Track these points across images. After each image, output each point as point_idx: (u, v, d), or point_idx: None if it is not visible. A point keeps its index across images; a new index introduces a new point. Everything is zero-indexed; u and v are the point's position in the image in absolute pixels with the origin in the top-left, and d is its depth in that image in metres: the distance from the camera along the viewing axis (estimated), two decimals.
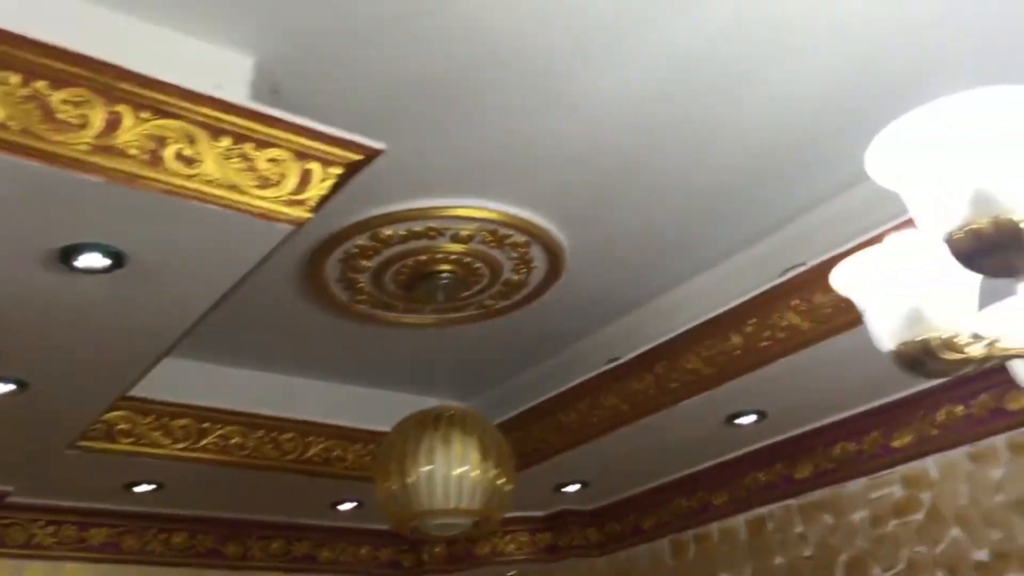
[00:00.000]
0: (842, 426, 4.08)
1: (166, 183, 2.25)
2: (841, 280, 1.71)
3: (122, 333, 2.95)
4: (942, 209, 1.31)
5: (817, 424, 4.15)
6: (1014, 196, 1.26)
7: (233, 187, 2.33)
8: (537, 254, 3.67)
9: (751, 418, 4.04)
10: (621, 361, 3.97)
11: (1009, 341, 1.60)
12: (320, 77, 2.69)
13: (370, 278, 3.74)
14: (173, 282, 2.66)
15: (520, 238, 3.54)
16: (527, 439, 4.46)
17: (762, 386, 3.73)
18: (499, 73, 2.71)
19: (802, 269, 3.28)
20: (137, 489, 4.49)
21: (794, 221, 3.53)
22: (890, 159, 1.38)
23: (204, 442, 4.16)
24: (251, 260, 2.59)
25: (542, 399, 4.30)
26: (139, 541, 4.78)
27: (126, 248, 2.46)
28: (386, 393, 4.65)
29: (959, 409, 3.73)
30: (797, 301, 3.35)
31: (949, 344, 1.58)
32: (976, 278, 1.59)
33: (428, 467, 3.24)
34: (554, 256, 3.67)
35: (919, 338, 1.59)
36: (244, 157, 2.33)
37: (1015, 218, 1.25)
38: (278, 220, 2.41)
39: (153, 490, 4.52)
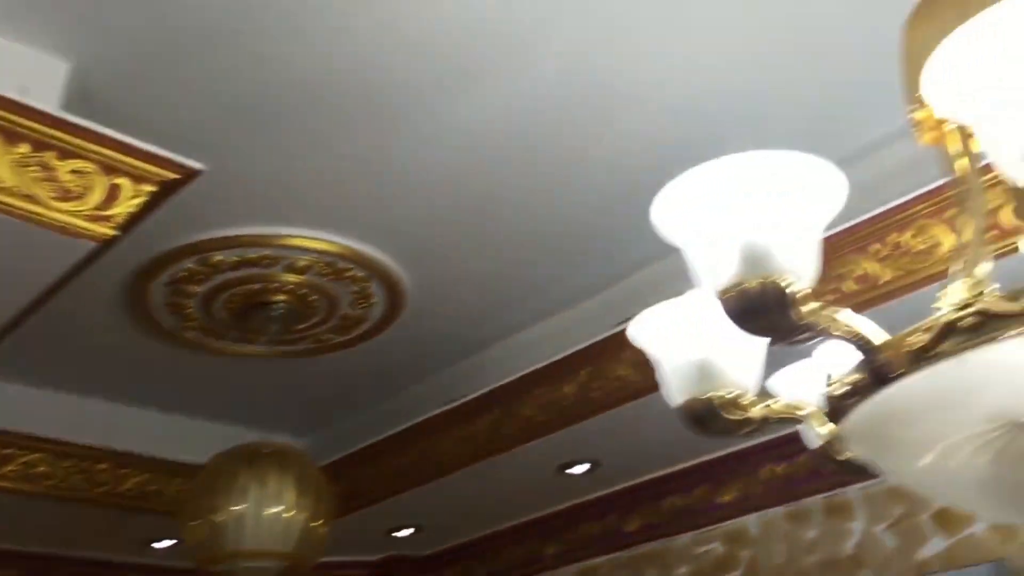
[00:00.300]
0: (672, 480, 4.12)
1: None
2: (637, 333, 1.71)
3: None
4: (716, 268, 1.31)
5: (648, 477, 4.18)
6: (782, 258, 1.26)
7: (29, 197, 2.18)
8: (377, 290, 3.59)
9: (583, 467, 4.04)
10: (456, 404, 3.91)
11: (792, 403, 1.62)
12: (146, 90, 2.56)
13: (199, 304, 3.58)
14: None
15: (360, 272, 3.46)
16: (360, 480, 4.33)
17: (594, 436, 3.73)
18: (345, 100, 2.65)
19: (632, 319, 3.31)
20: None
21: (638, 272, 3.56)
22: (670, 217, 1.37)
23: (5, 469, 3.86)
24: (49, 277, 2.43)
25: (376, 439, 4.19)
26: None
27: None
28: (215, 425, 4.44)
29: (780, 468, 3.82)
30: (628, 352, 3.36)
31: (732, 403, 1.58)
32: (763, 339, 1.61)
33: (239, 506, 3.09)
34: (395, 293, 3.61)
35: (704, 395, 1.59)
36: (44, 166, 2.19)
37: (781, 280, 1.25)
38: (79, 236, 2.27)
39: None
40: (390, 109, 2.70)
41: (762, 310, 1.25)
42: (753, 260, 1.27)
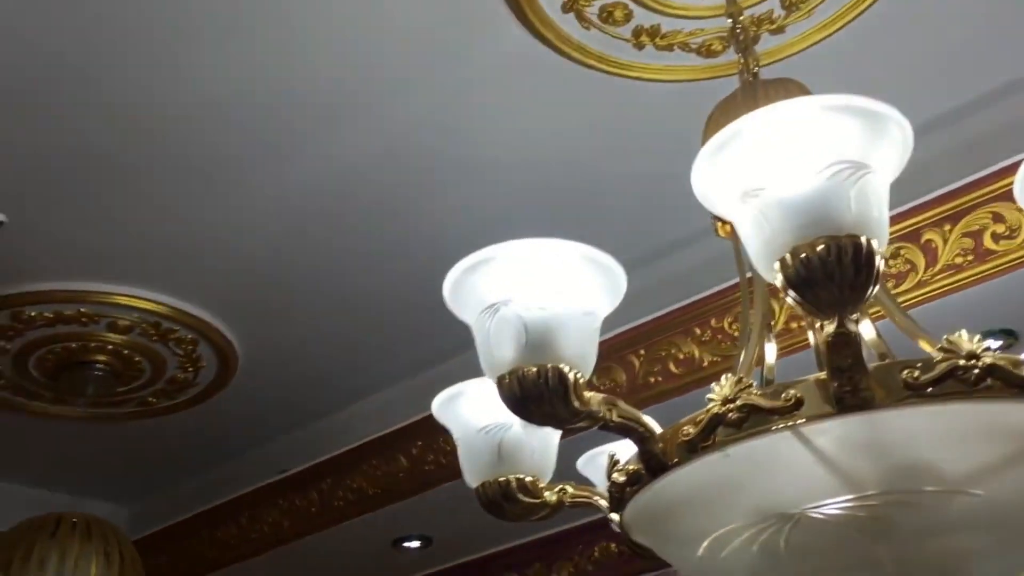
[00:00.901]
0: (506, 555, 4.08)
1: None
2: (439, 410, 1.68)
3: None
4: (495, 350, 1.30)
5: (482, 553, 4.12)
6: (562, 343, 1.27)
7: None
8: (206, 353, 3.45)
9: (416, 543, 3.95)
10: (287, 473, 3.79)
11: (584, 489, 1.62)
12: None
13: (10, 361, 3.36)
14: None
15: (186, 334, 3.33)
16: (183, 553, 4.12)
17: (426, 510, 3.66)
18: (166, 159, 2.58)
19: None
20: None
21: (470, 348, 3.55)
22: (458, 294, 1.36)
23: None
24: None
25: (199, 510, 4.01)
26: None
27: None
28: (27, 490, 4.15)
29: (613, 546, 3.83)
30: None
31: (526, 487, 1.57)
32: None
33: None
34: (224, 357, 3.48)
35: (499, 479, 1.57)
36: None
37: (561, 366, 1.25)
38: None
39: None
40: (212, 169, 2.64)
41: (540, 397, 1.24)
42: (534, 346, 1.27)
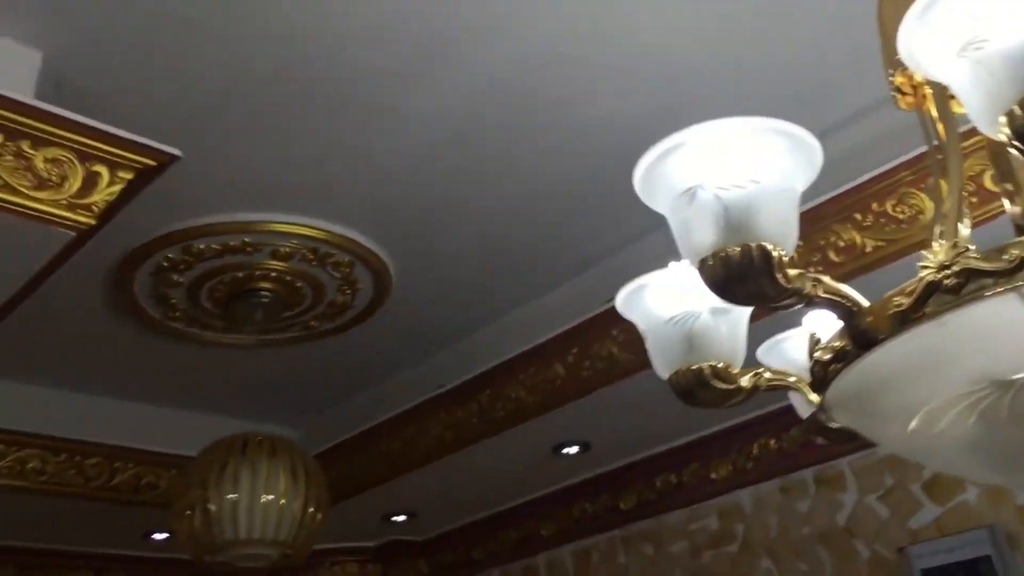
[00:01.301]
0: (663, 458, 4.12)
1: None
2: (624, 304, 1.69)
3: None
4: (696, 235, 1.30)
5: (639, 456, 4.18)
6: (763, 222, 1.26)
7: (5, 186, 2.15)
8: (362, 275, 3.57)
9: (575, 448, 4.04)
10: (446, 389, 3.90)
11: (781, 372, 1.61)
12: (120, 79, 2.54)
13: (184, 294, 3.55)
14: None
15: (343, 258, 3.44)
16: (352, 468, 4.32)
17: (584, 417, 3.72)
18: (320, 86, 2.64)
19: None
20: None
21: (626, 248, 3.55)
22: (651, 182, 1.36)
23: None
24: (31, 268, 2.40)
25: (366, 427, 4.18)
26: None
27: None
28: (204, 416, 4.42)
29: (772, 443, 3.82)
30: (616, 331, 3.36)
31: (719, 374, 1.57)
32: (747, 309, 1.60)
33: (232, 495, 3.08)
34: (380, 278, 3.59)
35: (691, 367, 1.58)
36: (19, 155, 2.16)
37: (765, 244, 1.24)
38: (58, 224, 2.24)
39: None
40: (363, 93, 2.68)
41: (746, 277, 1.24)
42: (735, 226, 1.26)
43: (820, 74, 2.75)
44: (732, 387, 1.58)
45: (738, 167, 1.28)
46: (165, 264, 3.34)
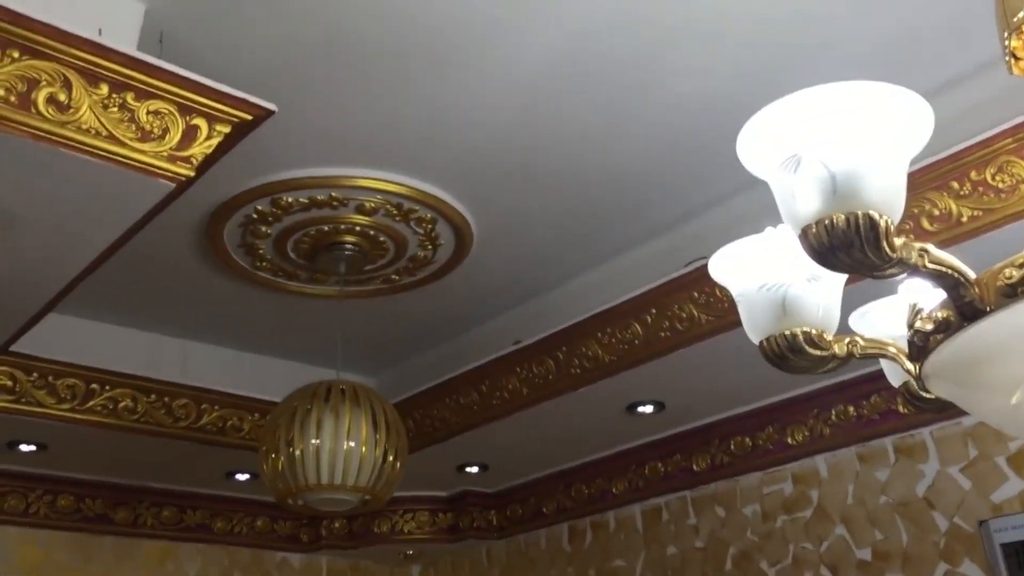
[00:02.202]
0: (738, 420, 4.11)
1: (36, 128, 2.13)
2: (717, 268, 1.69)
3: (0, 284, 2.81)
4: (799, 202, 1.29)
5: (714, 417, 4.18)
6: (870, 190, 1.24)
7: (110, 137, 2.22)
8: (443, 231, 3.61)
9: (649, 407, 4.04)
10: (523, 344, 3.94)
11: (877, 340, 1.60)
12: (216, 33, 2.59)
13: (271, 245, 3.64)
14: (47, 235, 2.54)
15: (426, 214, 3.48)
16: (427, 418, 4.41)
17: (660, 376, 3.73)
18: (407, 42, 2.65)
19: (703, 261, 3.28)
20: (20, 448, 4.31)
21: (706, 213, 3.54)
22: (755, 147, 1.35)
23: (91, 403, 4.01)
24: (131, 217, 2.48)
25: (443, 379, 4.25)
26: (22, 502, 4.60)
27: None
28: (286, 363, 4.55)
29: (851, 409, 3.78)
30: (696, 293, 3.35)
31: (813, 340, 1.56)
32: (842, 277, 1.59)
33: (315, 440, 3.17)
34: (461, 235, 3.62)
35: (785, 332, 1.57)
36: (123, 107, 2.23)
37: (871, 212, 1.23)
38: (159, 176, 2.31)
39: (37, 450, 4.35)
40: (450, 50, 2.69)
41: (850, 245, 1.23)
42: (841, 193, 1.25)
43: (916, 39, 2.68)
44: (826, 354, 1.57)
45: (845, 133, 1.26)
46: (254, 216, 3.42)
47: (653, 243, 3.67)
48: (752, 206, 3.34)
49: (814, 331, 1.57)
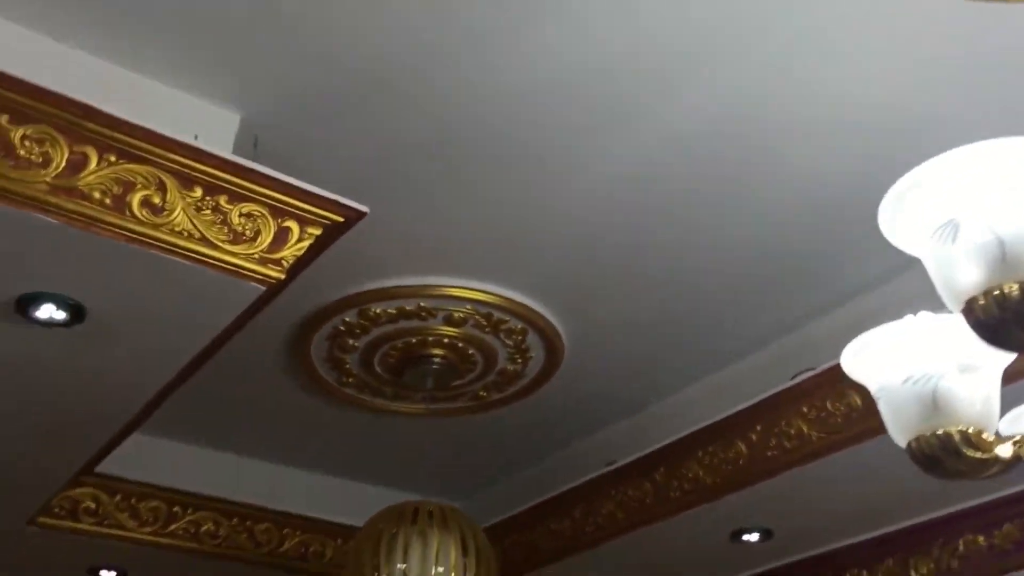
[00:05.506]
0: (854, 551, 3.78)
1: (130, 231, 2.11)
2: (852, 361, 1.52)
3: (83, 396, 2.76)
4: (961, 273, 1.13)
5: (827, 547, 3.85)
6: None
7: (203, 240, 2.19)
8: (534, 343, 3.49)
9: (755, 535, 3.75)
10: (618, 465, 3.73)
11: None
12: (309, 139, 2.59)
13: (358, 359, 3.56)
14: (137, 341, 2.50)
15: (516, 324, 3.37)
16: (516, 546, 4.18)
17: (767, 501, 3.46)
18: (497, 146, 2.61)
19: (813, 373, 3.08)
20: (100, 574, 4.22)
21: (810, 323, 3.34)
22: (902, 215, 1.20)
23: (173, 527, 3.92)
24: (220, 322, 2.42)
25: (533, 503, 4.04)
26: None
27: (86, 300, 2.30)
28: (369, 486, 4.40)
29: (981, 539, 3.44)
30: (806, 408, 3.13)
31: (971, 440, 1.37)
32: (1001, 366, 1.41)
33: (402, 565, 2.99)
34: (552, 346, 3.50)
35: (938, 432, 1.39)
36: (216, 209, 2.20)
37: None
38: (250, 278, 2.26)
39: None
40: (541, 152, 2.63)
41: None
42: (1011, 260, 1.09)
43: None
44: (988, 456, 1.38)
45: (1010, 193, 1.12)
46: (342, 328, 3.36)
47: (759, 354, 3.48)
48: (864, 312, 3.15)
49: (971, 429, 1.38)
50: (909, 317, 1.46)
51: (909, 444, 1.42)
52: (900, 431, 1.44)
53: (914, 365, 1.42)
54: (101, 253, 2.14)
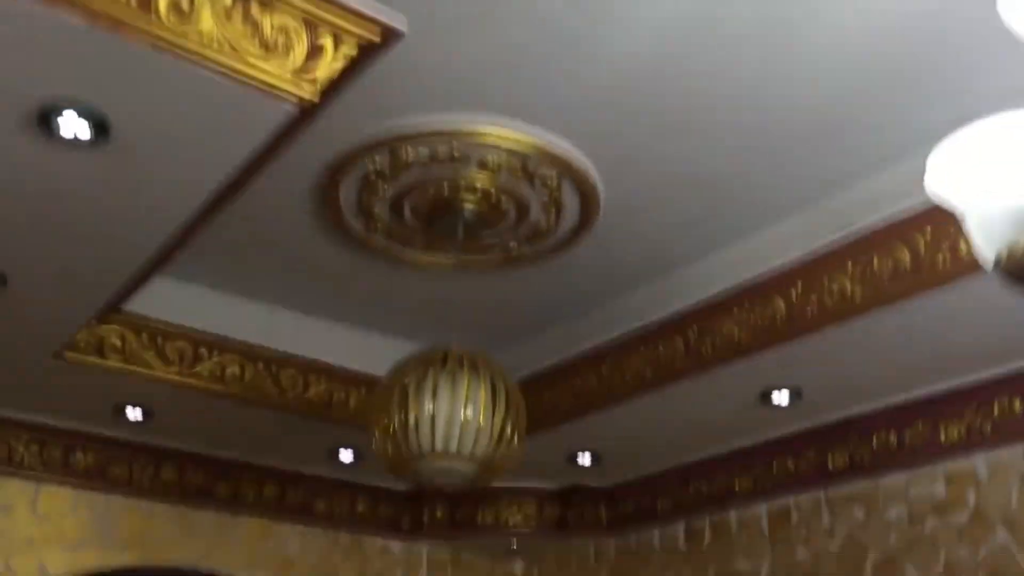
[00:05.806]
0: (884, 414, 3.76)
1: (156, 36, 1.99)
2: (935, 173, 1.41)
3: (107, 224, 2.70)
4: None
5: (856, 410, 3.82)
6: None
7: (232, 50, 2.06)
8: (569, 195, 3.36)
9: (784, 394, 3.72)
10: (650, 321, 3.67)
11: None
12: None
13: (387, 206, 3.45)
14: (162, 165, 2.40)
15: (550, 172, 3.23)
16: (539, 403, 4.16)
17: (800, 359, 3.42)
18: None
19: (862, 228, 2.97)
20: (127, 415, 4.25)
21: (856, 182, 3.18)
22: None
23: (198, 368, 3.92)
24: (250, 144, 2.32)
25: (560, 359, 4.01)
26: (126, 471, 4.55)
27: (110, 112, 2.19)
28: (395, 339, 4.36)
29: (1016, 404, 3.39)
30: (852, 264, 3.03)
31: None
32: None
33: (431, 406, 2.97)
34: (587, 200, 3.37)
35: None
36: (246, 17, 2.06)
37: None
38: (282, 97, 2.15)
39: (143, 419, 4.29)
40: None
41: None
42: None
43: None
44: None
45: None
46: (371, 171, 3.24)
47: (804, 212, 3.29)
48: (914, 172, 3.00)
49: None
50: (1004, 115, 1.34)
51: (998, 257, 1.32)
52: (989, 243, 1.34)
53: (1003, 168, 1.31)
54: (126, 60, 2.03)
